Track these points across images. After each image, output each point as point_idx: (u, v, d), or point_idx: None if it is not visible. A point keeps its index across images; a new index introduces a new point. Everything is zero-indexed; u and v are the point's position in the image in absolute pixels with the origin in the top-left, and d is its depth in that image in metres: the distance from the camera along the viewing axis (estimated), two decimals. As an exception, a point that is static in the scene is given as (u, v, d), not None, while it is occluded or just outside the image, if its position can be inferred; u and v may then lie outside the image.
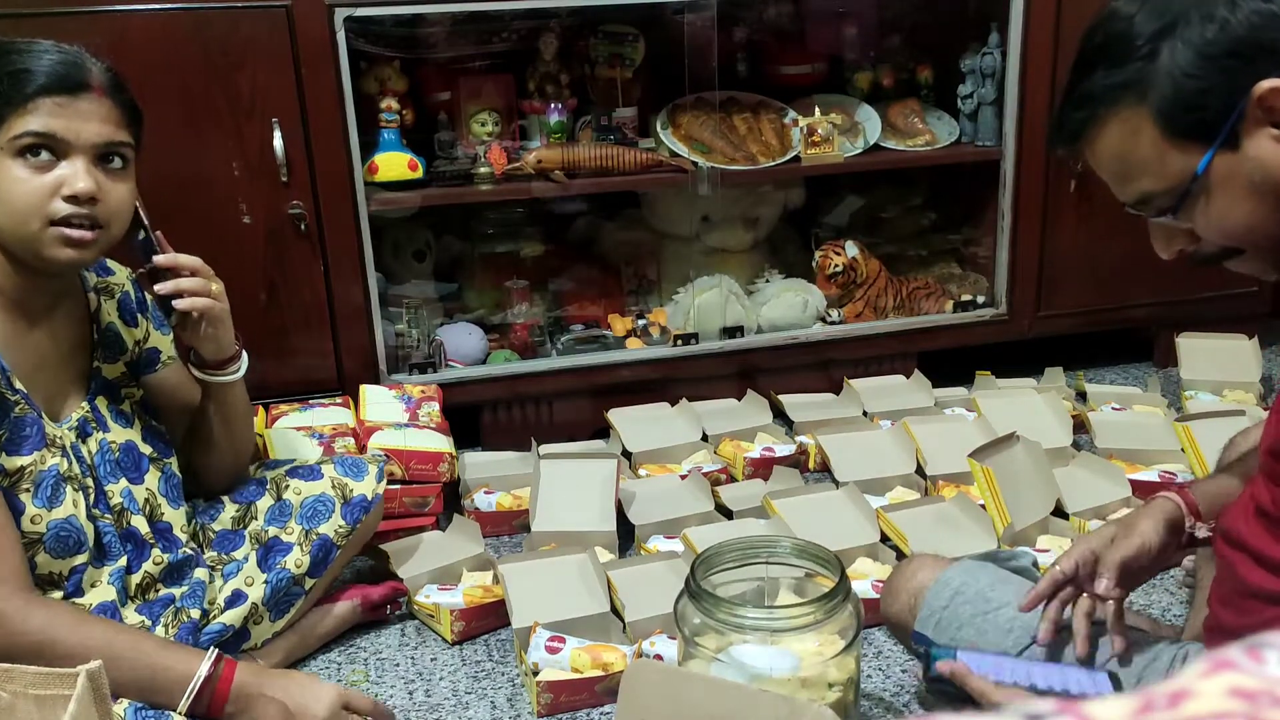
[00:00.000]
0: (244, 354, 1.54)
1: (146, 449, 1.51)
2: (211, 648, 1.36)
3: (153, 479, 1.50)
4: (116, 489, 1.44)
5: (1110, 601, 1.19)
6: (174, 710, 1.29)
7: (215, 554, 1.56)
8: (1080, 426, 2.24)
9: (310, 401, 2.06)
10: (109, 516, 1.44)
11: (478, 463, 2.14)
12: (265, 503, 1.61)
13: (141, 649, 1.30)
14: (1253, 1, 0.92)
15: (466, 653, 1.66)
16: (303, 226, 2.00)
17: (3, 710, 0.99)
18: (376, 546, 1.81)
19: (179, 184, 1.94)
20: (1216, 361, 2.38)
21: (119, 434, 1.47)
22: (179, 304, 1.41)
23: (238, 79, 1.92)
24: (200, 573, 1.51)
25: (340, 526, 1.61)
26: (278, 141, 1.95)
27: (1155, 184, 0.99)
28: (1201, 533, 1.20)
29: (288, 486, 1.62)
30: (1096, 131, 1.00)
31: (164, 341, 1.56)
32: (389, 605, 1.73)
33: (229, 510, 1.61)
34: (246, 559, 1.56)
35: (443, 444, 1.93)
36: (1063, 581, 1.22)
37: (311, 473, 1.64)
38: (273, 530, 1.58)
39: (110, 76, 1.33)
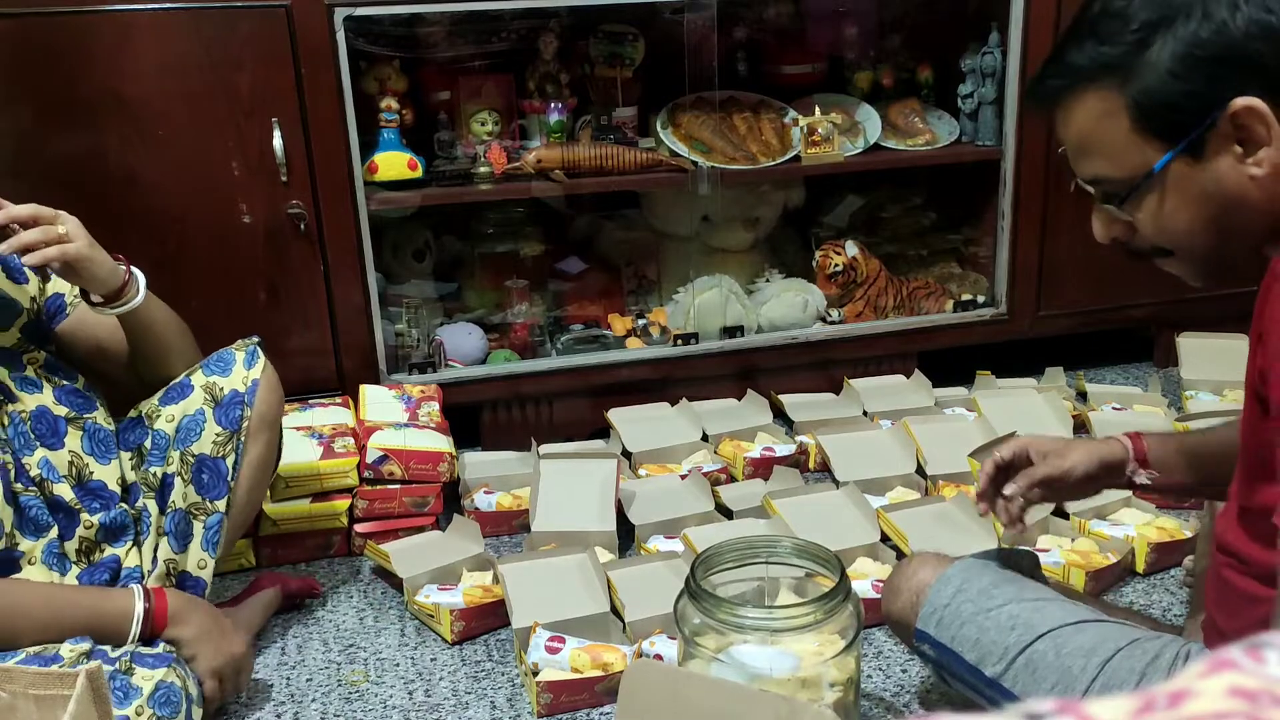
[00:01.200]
0: (136, 274, 1.47)
1: (61, 410, 1.47)
2: (135, 585, 1.43)
3: (74, 439, 1.48)
4: (34, 460, 1.43)
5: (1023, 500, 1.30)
6: (122, 644, 1.36)
7: (132, 510, 1.52)
8: (1080, 426, 2.24)
9: (310, 401, 2.06)
10: (32, 489, 1.43)
11: (477, 462, 2.13)
12: (148, 443, 1.54)
13: (76, 602, 1.37)
14: (1255, 9, 0.92)
15: (466, 653, 1.66)
16: (302, 226, 2.00)
17: (3, 710, 0.99)
18: (376, 546, 1.82)
19: (179, 183, 1.94)
20: (1216, 361, 2.38)
21: (28, 401, 1.45)
22: (27, 260, 1.36)
23: (237, 79, 1.92)
24: (142, 551, 1.51)
25: (217, 435, 1.51)
26: (277, 141, 1.95)
27: (1111, 170, 1.01)
28: (1140, 479, 1.29)
29: (158, 415, 1.53)
30: (1071, 102, 1.01)
31: (64, 285, 1.50)
32: (303, 598, 1.80)
33: (124, 460, 1.54)
34: (147, 510, 1.52)
35: (442, 444, 1.93)
36: (1003, 467, 1.33)
37: (183, 390, 1.53)
38: (157, 469, 1.52)
39: None
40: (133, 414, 1.57)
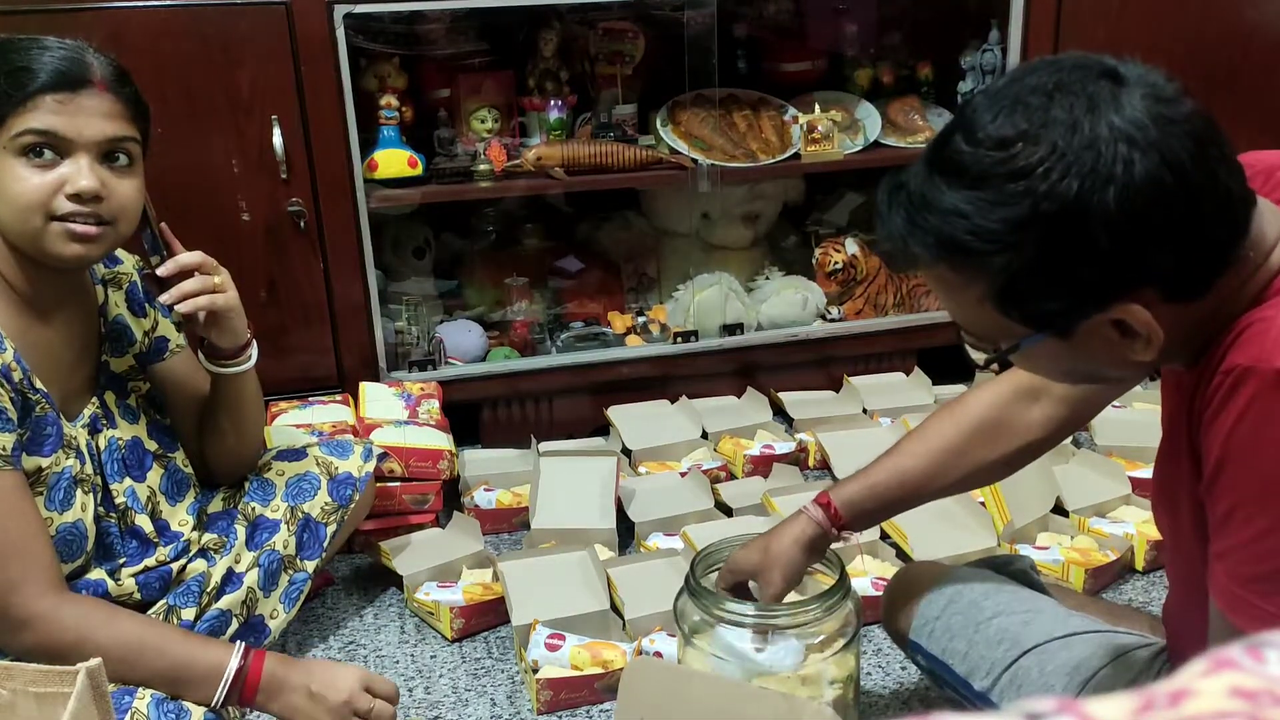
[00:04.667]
0: (253, 341, 1.53)
1: (151, 445, 1.51)
2: (239, 642, 1.37)
3: (155, 476, 1.50)
4: (121, 488, 1.44)
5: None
6: (206, 703, 1.30)
7: (214, 536, 1.55)
8: (1080, 424, 2.23)
9: (310, 399, 2.06)
10: (113, 516, 1.44)
11: (477, 460, 2.13)
12: (248, 482, 1.61)
13: (170, 643, 1.32)
14: (1137, 187, 0.79)
15: (466, 650, 1.66)
16: (302, 224, 2.00)
17: (3, 708, 0.99)
18: (376, 543, 1.82)
19: (178, 181, 1.93)
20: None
21: (125, 430, 1.47)
22: (180, 308, 1.40)
23: (237, 76, 1.92)
24: (199, 565, 1.51)
25: (326, 503, 1.60)
26: (277, 139, 1.94)
27: (974, 329, 0.93)
28: (848, 539, 1.27)
29: (270, 468, 1.61)
30: (928, 264, 0.90)
31: (172, 330, 1.55)
32: (321, 589, 1.77)
33: (220, 491, 1.62)
34: (236, 536, 1.55)
35: (442, 441, 1.93)
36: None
37: (296, 454, 1.64)
38: (257, 507, 1.57)
39: (113, 70, 1.31)
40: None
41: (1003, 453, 1.25)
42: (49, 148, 1.26)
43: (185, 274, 1.41)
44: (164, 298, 1.40)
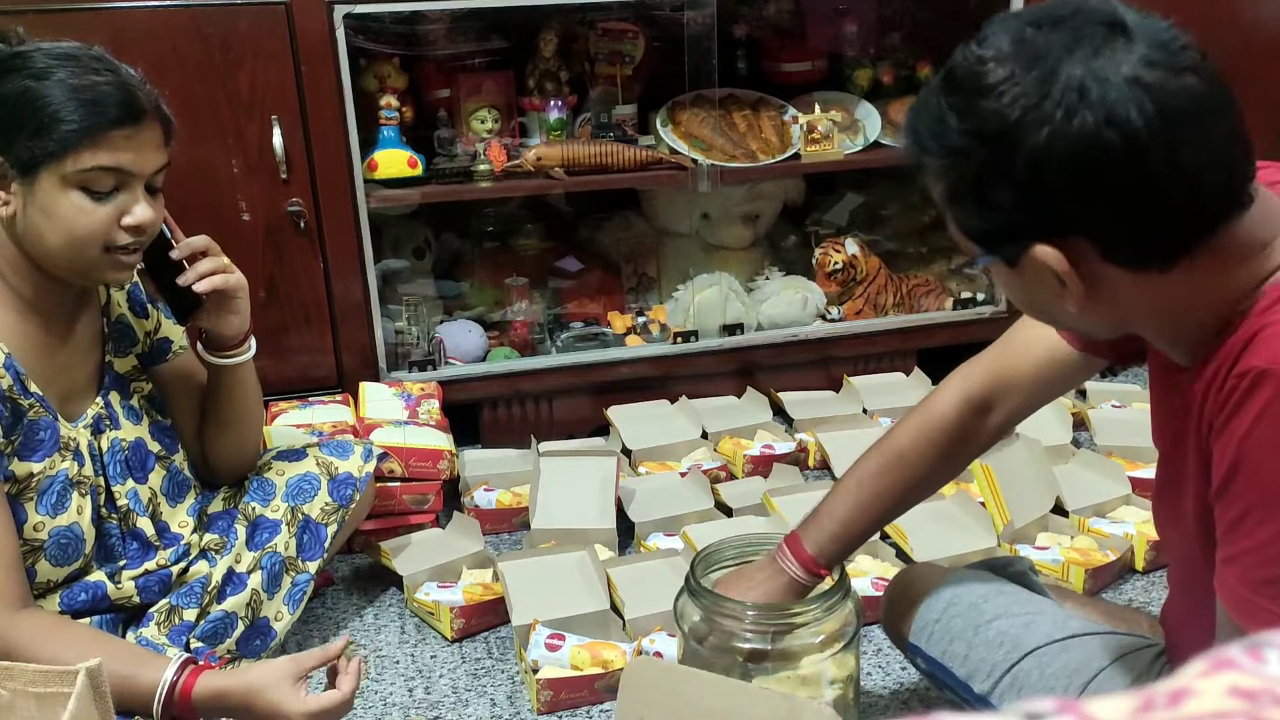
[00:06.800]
0: (250, 331, 1.54)
1: (154, 446, 1.51)
2: (179, 653, 1.32)
3: (156, 477, 1.50)
4: (123, 489, 1.44)
5: None
6: (149, 716, 1.26)
7: (214, 536, 1.55)
8: (1080, 424, 2.24)
9: (310, 399, 2.06)
10: (115, 517, 1.44)
11: (477, 460, 2.13)
12: (248, 482, 1.61)
13: (114, 659, 1.23)
14: (1077, 132, 0.80)
15: (466, 650, 1.66)
16: (302, 224, 2.00)
17: (3, 708, 0.99)
18: (376, 543, 1.82)
19: (178, 181, 1.92)
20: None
21: (129, 431, 1.47)
22: (199, 287, 1.41)
23: (237, 76, 1.92)
24: (201, 567, 1.51)
25: (326, 504, 1.60)
26: (277, 139, 1.94)
27: (952, 234, 0.96)
28: (825, 580, 1.27)
29: (270, 467, 1.61)
30: (920, 171, 0.94)
31: (175, 331, 1.55)
32: (321, 589, 1.77)
33: (220, 491, 1.62)
34: (236, 536, 1.55)
35: (442, 441, 1.93)
36: None
37: (296, 455, 1.64)
38: (257, 507, 1.57)
39: (153, 97, 1.32)
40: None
41: (958, 464, 1.31)
42: (113, 182, 1.27)
43: (195, 257, 1.43)
44: (182, 279, 1.41)
